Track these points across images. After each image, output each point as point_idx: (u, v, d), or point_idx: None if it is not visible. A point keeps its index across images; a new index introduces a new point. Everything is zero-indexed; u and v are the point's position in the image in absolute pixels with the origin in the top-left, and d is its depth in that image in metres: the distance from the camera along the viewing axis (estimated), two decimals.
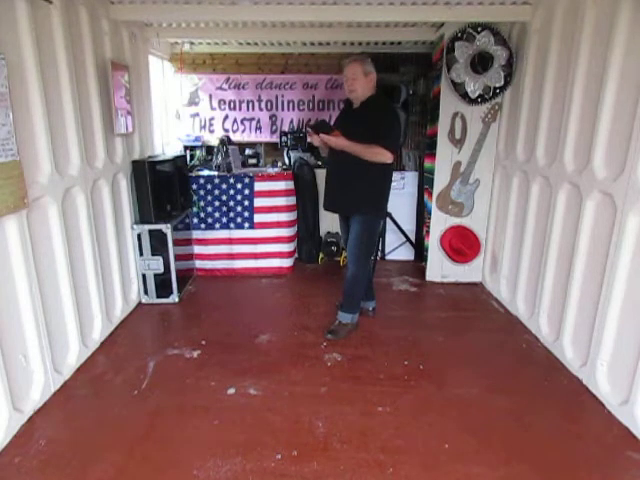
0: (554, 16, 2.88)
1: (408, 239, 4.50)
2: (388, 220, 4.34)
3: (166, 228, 3.47)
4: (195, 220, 4.12)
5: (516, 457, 1.99)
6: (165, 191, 3.55)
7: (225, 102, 5.10)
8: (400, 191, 4.58)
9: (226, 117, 5.15)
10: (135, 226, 3.45)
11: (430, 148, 4.02)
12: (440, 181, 3.89)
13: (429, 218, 4.05)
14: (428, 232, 4.10)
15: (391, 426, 2.18)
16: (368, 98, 2.81)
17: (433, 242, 4.04)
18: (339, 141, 2.75)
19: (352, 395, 2.42)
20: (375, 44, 4.69)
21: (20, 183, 2.09)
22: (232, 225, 4.15)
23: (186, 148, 4.92)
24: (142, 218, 3.48)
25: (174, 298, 3.63)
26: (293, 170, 4.42)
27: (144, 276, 3.55)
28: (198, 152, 4.85)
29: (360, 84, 2.75)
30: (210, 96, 5.07)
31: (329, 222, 4.60)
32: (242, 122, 5.17)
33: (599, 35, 2.47)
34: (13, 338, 2.15)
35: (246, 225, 4.15)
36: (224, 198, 4.09)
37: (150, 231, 3.46)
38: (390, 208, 4.27)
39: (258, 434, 2.11)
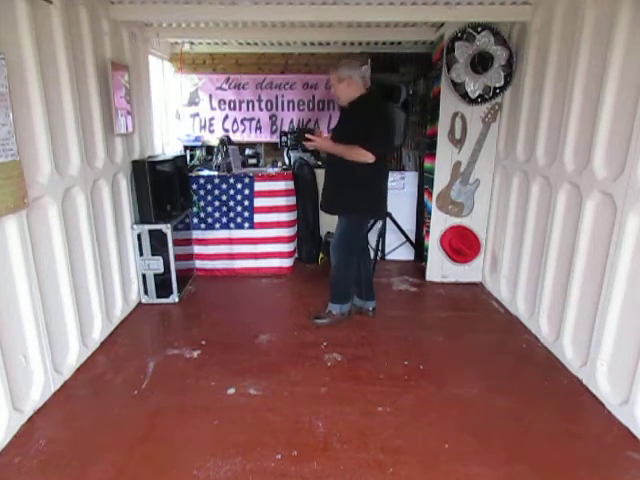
0: (554, 16, 2.88)
1: (408, 239, 4.50)
2: (388, 220, 4.34)
3: (166, 228, 3.47)
4: (195, 220, 4.12)
5: (516, 457, 1.99)
6: (165, 191, 3.55)
7: (225, 102, 5.10)
8: (400, 191, 4.58)
9: (226, 117, 5.15)
10: (135, 226, 3.45)
11: (430, 148, 4.02)
12: (440, 181, 3.89)
13: (429, 218, 4.05)
14: (428, 232, 4.10)
15: (391, 426, 2.18)
16: (357, 99, 2.87)
17: (433, 242, 4.04)
18: (322, 143, 2.93)
19: (352, 395, 2.42)
20: (375, 44, 4.69)
21: (20, 183, 2.09)
22: (232, 225, 4.15)
23: (186, 148, 4.92)
24: (142, 218, 3.48)
25: (174, 298, 3.63)
26: (293, 170, 4.42)
27: (144, 276, 3.55)
28: (198, 152, 4.85)
29: (338, 90, 2.91)
30: (210, 96, 5.07)
31: (329, 222, 4.59)
32: (242, 122, 5.17)
33: (599, 35, 2.47)
34: (13, 338, 2.15)
35: (246, 225, 4.15)
36: (224, 198, 4.09)
37: (150, 231, 3.46)
38: (390, 208, 4.28)
39: (258, 434, 2.11)
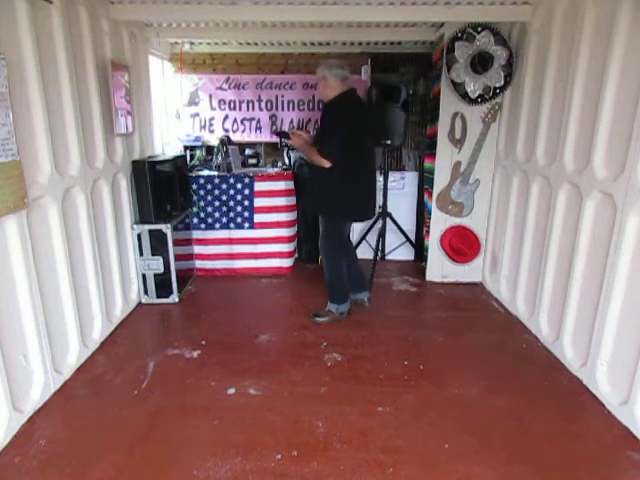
0: (554, 16, 2.88)
1: (408, 239, 4.50)
2: (388, 220, 4.34)
3: (166, 228, 3.47)
4: (195, 220, 4.12)
5: (516, 457, 1.99)
6: (165, 191, 3.55)
7: (225, 102, 5.10)
8: (400, 191, 4.59)
9: (226, 117, 5.15)
10: (135, 226, 3.45)
11: (430, 148, 4.02)
12: (440, 181, 3.89)
13: (429, 218, 4.05)
14: (428, 232, 4.10)
15: (391, 426, 2.18)
16: (331, 99, 2.93)
17: (433, 242, 4.04)
18: (295, 141, 3.07)
19: (352, 395, 2.42)
20: (375, 44, 4.69)
21: (20, 183, 2.09)
22: (232, 225, 4.15)
23: (186, 148, 4.92)
24: (142, 218, 3.48)
25: (174, 298, 3.63)
26: (293, 170, 4.42)
27: (144, 276, 3.55)
28: (198, 152, 4.85)
29: (319, 88, 3.03)
30: (210, 96, 5.07)
31: None
32: (242, 122, 5.17)
33: (599, 35, 2.47)
34: (13, 338, 2.15)
35: (246, 225, 4.15)
36: (224, 198, 4.09)
37: (150, 231, 3.46)
38: (390, 208, 4.30)
39: (258, 434, 2.11)
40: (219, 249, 4.19)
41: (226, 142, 4.28)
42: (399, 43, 4.59)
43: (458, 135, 3.74)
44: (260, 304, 3.68)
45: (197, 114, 5.12)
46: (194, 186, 4.05)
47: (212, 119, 5.14)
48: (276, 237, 4.21)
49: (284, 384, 2.51)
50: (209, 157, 4.74)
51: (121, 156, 3.31)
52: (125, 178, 3.36)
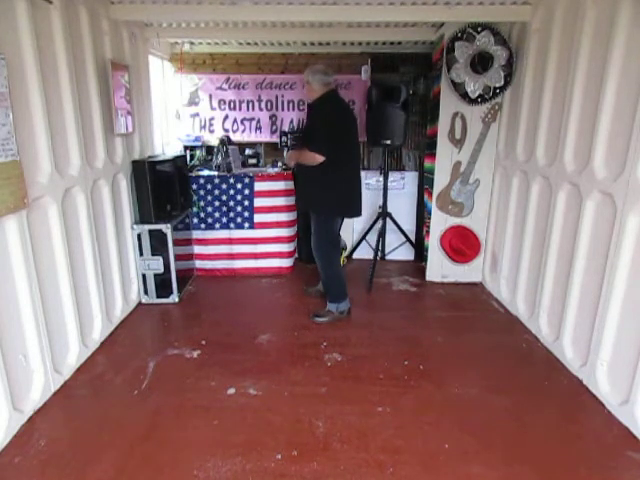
0: (554, 16, 2.88)
1: (408, 239, 4.50)
2: (388, 220, 4.34)
3: (166, 228, 3.47)
4: (195, 220, 4.12)
5: (516, 457, 1.99)
6: (165, 191, 3.55)
7: (225, 102, 5.09)
8: (400, 191, 4.59)
9: (226, 117, 5.14)
10: (135, 226, 3.45)
11: (430, 148, 4.02)
12: (440, 181, 3.89)
13: (429, 218, 4.05)
14: (428, 232, 4.10)
15: (391, 426, 2.18)
16: (313, 101, 3.08)
17: (433, 242, 4.04)
18: (288, 157, 3.28)
19: (352, 395, 2.42)
20: (375, 44, 4.69)
21: (20, 183, 2.09)
22: (232, 225, 4.15)
23: (186, 148, 4.92)
24: (142, 218, 3.48)
25: (174, 298, 3.63)
26: (293, 170, 4.42)
27: (144, 276, 3.55)
28: (198, 152, 4.85)
29: (305, 91, 3.20)
30: (210, 96, 5.07)
31: None
32: (242, 122, 5.16)
33: (599, 35, 2.47)
34: (13, 338, 2.15)
35: (246, 225, 4.15)
36: (224, 198, 4.09)
37: (150, 231, 3.46)
38: (390, 208, 4.30)
39: (258, 434, 2.11)
40: (219, 249, 4.19)
41: (226, 142, 4.28)
42: (399, 43, 4.59)
43: (458, 135, 3.74)
44: (260, 304, 3.68)
45: (197, 114, 5.12)
46: (194, 186, 4.05)
47: (212, 119, 5.14)
48: (276, 237, 4.21)
49: (284, 384, 2.51)
50: (209, 157, 4.73)
51: (121, 156, 3.31)
52: (125, 178, 3.36)
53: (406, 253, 4.66)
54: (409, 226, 4.60)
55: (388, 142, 4.07)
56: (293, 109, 5.15)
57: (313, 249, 3.28)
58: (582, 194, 2.56)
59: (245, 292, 3.91)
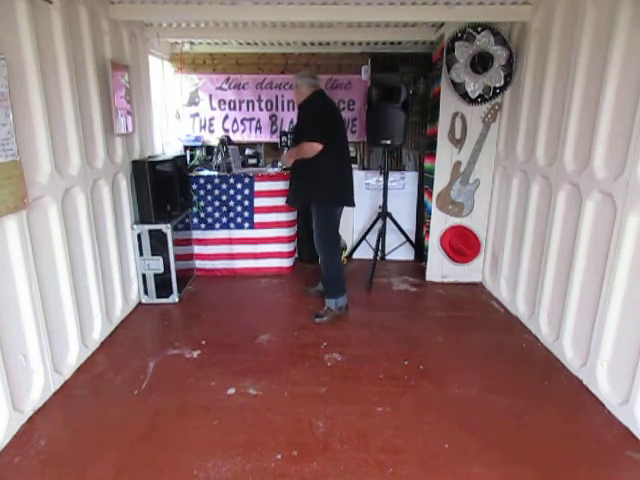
0: (554, 16, 2.88)
1: (408, 239, 4.50)
2: (388, 220, 4.34)
3: (166, 228, 3.47)
4: (195, 220, 4.12)
5: (516, 457, 1.99)
6: (165, 191, 3.55)
7: (225, 102, 5.10)
8: (400, 191, 4.59)
9: (226, 117, 5.14)
10: (135, 226, 3.45)
11: (430, 148, 4.02)
12: (440, 181, 3.89)
13: (429, 218, 4.05)
14: (428, 232, 4.10)
15: (391, 426, 2.18)
16: (302, 102, 3.21)
17: (433, 242, 4.04)
18: (284, 157, 3.36)
19: (352, 395, 2.42)
20: (375, 44, 4.69)
21: (20, 183, 2.09)
22: (232, 225, 4.15)
23: (186, 148, 4.92)
24: (142, 218, 3.48)
25: (174, 298, 3.63)
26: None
27: (144, 276, 3.55)
28: (198, 152, 4.85)
29: (294, 95, 3.35)
30: (210, 96, 5.07)
31: None
32: (242, 122, 5.16)
33: (599, 35, 2.47)
34: (13, 338, 2.15)
35: (246, 225, 4.15)
36: (224, 198, 4.09)
37: (150, 231, 3.46)
38: (390, 208, 4.30)
39: (258, 434, 2.11)
40: (219, 249, 4.19)
41: (226, 142, 4.28)
42: (399, 43, 4.59)
43: (458, 135, 3.74)
44: (260, 304, 3.68)
45: (197, 114, 5.12)
46: (194, 186, 4.05)
47: (212, 119, 5.14)
48: (276, 237, 4.21)
49: (284, 384, 2.51)
50: (209, 157, 4.74)
51: (121, 156, 3.31)
52: (125, 178, 3.36)
53: (406, 253, 4.66)
54: (409, 226, 4.60)
55: (388, 142, 4.06)
56: (293, 109, 5.15)
57: (315, 244, 3.33)
58: (582, 194, 2.56)
59: (245, 292, 3.91)
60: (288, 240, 4.29)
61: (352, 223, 4.68)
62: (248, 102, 5.10)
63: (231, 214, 4.12)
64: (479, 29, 3.31)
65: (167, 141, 4.83)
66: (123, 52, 3.42)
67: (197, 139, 5.04)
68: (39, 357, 2.30)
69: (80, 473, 1.89)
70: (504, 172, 3.65)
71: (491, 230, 3.92)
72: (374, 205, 4.55)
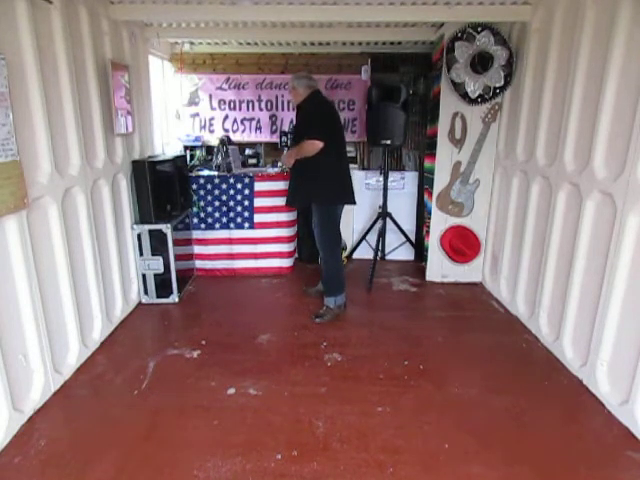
0: (554, 16, 2.88)
1: (408, 239, 4.50)
2: (388, 220, 4.34)
3: (166, 228, 3.47)
4: (195, 220, 4.12)
5: (516, 457, 1.99)
6: (165, 191, 3.55)
7: (225, 102, 5.09)
8: (400, 191, 4.59)
9: (226, 117, 5.14)
10: (135, 226, 3.45)
11: (430, 148, 4.02)
12: (440, 181, 3.89)
13: (429, 218, 4.05)
14: (428, 232, 4.10)
15: (391, 426, 2.18)
16: (299, 103, 3.25)
17: (433, 242, 4.04)
18: (284, 157, 3.36)
19: (352, 395, 2.42)
20: (375, 44, 4.69)
21: (20, 183, 2.09)
22: (232, 225, 4.15)
23: (186, 148, 4.92)
24: (142, 218, 3.48)
25: (174, 298, 3.63)
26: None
27: (144, 276, 3.55)
28: (198, 152, 4.85)
29: (291, 96, 3.39)
30: (210, 96, 5.07)
31: None
32: (242, 122, 5.16)
33: (599, 35, 2.47)
34: (13, 338, 2.15)
35: (246, 225, 4.15)
36: (224, 198, 4.09)
37: (150, 231, 3.46)
38: (390, 208, 4.30)
39: (258, 434, 2.11)
40: (219, 249, 4.19)
41: (226, 142, 4.28)
42: (399, 43, 4.59)
43: (458, 135, 3.74)
44: (260, 304, 3.68)
45: (197, 114, 5.12)
46: (194, 186, 4.05)
47: (212, 119, 5.14)
48: (276, 237, 4.21)
49: (284, 384, 2.51)
50: (209, 157, 4.74)
51: (121, 156, 3.31)
52: (125, 178, 3.36)
53: (406, 253, 4.66)
54: (409, 226, 4.60)
55: (388, 142, 4.06)
56: (293, 109, 5.12)
57: (317, 242, 3.34)
58: (582, 194, 2.56)
59: (245, 292, 3.91)
60: (288, 240, 4.29)
61: (352, 223, 4.68)
62: (248, 102, 5.10)
63: (231, 214, 4.12)
64: (479, 29, 3.30)
65: (167, 141, 4.83)
66: (123, 52, 3.42)
67: (197, 139, 5.04)
68: (39, 357, 2.30)
69: (80, 473, 1.89)
70: (504, 172, 3.65)
71: (491, 230, 3.92)
72: (374, 205, 4.55)
